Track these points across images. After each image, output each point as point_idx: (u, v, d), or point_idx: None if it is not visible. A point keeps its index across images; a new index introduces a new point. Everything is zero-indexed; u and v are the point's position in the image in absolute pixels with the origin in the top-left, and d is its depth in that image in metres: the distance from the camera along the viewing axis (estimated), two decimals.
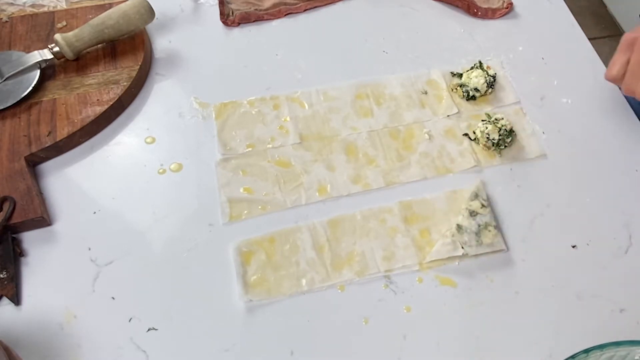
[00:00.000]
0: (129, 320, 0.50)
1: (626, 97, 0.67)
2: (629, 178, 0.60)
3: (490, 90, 0.65)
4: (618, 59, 0.53)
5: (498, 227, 0.56)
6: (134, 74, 0.64)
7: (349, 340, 0.50)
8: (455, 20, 0.74)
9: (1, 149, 0.57)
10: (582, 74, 0.69)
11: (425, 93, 0.66)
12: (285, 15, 0.74)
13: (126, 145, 0.61)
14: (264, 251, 0.54)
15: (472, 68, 0.68)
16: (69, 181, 0.58)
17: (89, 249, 0.54)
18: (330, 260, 0.54)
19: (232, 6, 0.73)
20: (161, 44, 0.70)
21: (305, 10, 0.74)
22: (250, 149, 0.61)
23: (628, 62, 0.52)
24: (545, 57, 0.70)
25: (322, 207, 0.57)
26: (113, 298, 0.51)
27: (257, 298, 0.51)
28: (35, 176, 0.58)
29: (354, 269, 0.53)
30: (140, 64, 0.65)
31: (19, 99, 0.60)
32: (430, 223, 0.56)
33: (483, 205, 0.56)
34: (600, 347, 0.44)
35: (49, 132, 0.59)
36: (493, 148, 0.61)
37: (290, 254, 0.54)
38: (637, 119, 0.65)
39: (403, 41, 0.72)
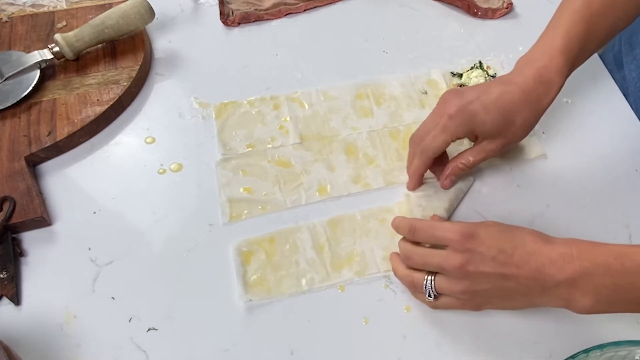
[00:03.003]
0: (129, 320, 0.50)
1: (626, 97, 0.67)
2: (629, 178, 0.60)
3: None
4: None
5: None
6: (134, 74, 0.64)
7: (349, 340, 0.50)
8: (455, 20, 0.74)
9: (1, 149, 0.57)
10: (582, 74, 0.68)
11: (425, 93, 0.66)
12: (285, 15, 0.74)
13: (126, 145, 0.61)
14: (264, 251, 0.54)
15: (472, 68, 0.68)
16: (69, 181, 0.58)
17: (89, 249, 0.54)
18: (330, 260, 0.54)
19: (232, 6, 0.73)
20: (161, 44, 0.70)
21: (305, 10, 0.74)
22: (250, 149, 0.61)
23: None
24: None
25: (322, 207, 0.57)
26: (113, 298, 0.51)
27: (257, 298, 0.51)
28: (35, 176, 0.58)
29: (353, 269, 0.53)
30: (140, 64, 0.65)
31: (19, 99, 0.60)
32: None
33: None
34: (600, 347, 0.44)
35: (49, 132, 0.59)
36: None
37: (290, 253, 0.54)
38: (637, 119, 0.65)
39: (403, 41, 0.72)
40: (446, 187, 0.56)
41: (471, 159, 0.55)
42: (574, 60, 0.54)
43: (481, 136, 0.54)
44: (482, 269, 0.45)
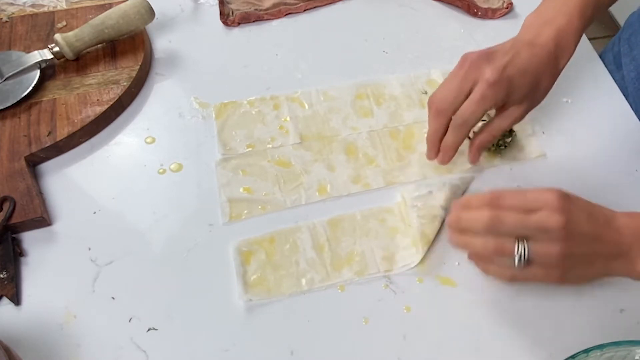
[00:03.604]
0: (129, 320, 0.50)
1: (626, 97, 0.67)
2: (629, 178, 0.60)
3: None
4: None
5: None
6: (134, 74, 0.64)
7: (349, 340, 0.50)
8: (455, 20, 0.74)
9: (1, 149, 0.57)
10: (582, 74, 0.69)
11: (425, 93, 0.66)
12: (285, 15, 0.74)
13: (126, 145, 0.61)
14: (264, 251, 0.54)
15: None
16: (69, 181, 0.58)
17: (89, 249, 0.54)
18: (330, 260, 0.54)
19: (232, 6, 0.73)
20: (161, 44, 0.70)
21: (305, 10, 0.74)
22: (250, 149, 0.61)
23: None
24: None
25: (322, 206, 0.57)
26: (113, 298, 0.51)
27: (256, 297, 0.51)
28: (35, 176, 0.58)
29: (353, 268, 0.53)
30: (140, 64, 0.65)
31: (19, 99, 0.60)
32: None
33: None
34: (600, 347, 0.43)
35: (49, 132, 0.59)
36: (493, 148, 0.61)
37: (290, 253, 0.54)
38: (637, 119, 0.65)
39: (403, 41, 0.72)
40: (474, 162, 0.56)
41: (499, 128, 0.54)
42: (588, 22, 0.54)
43: (510, 102, 0.53)
44: (582, 229, 0.44)
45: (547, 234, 0.44)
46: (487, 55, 0.51)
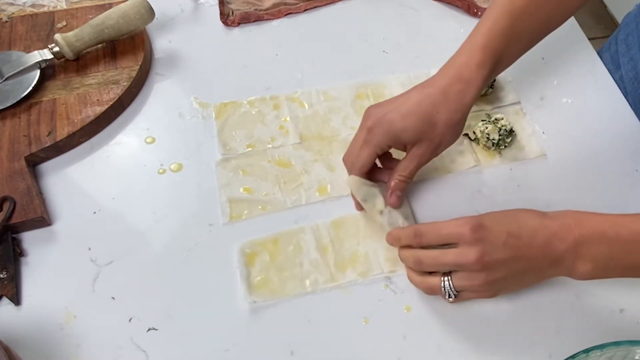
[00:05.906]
0: (129, 320, 0.50)
1: (625, 96, 0.67)
2: (629, 178, 0.60)
3: (490, 90, 0.65)
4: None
5: None
6: (134, 74, 0.64)
7: (349, 340, 0.50)
8: (455, 20, 0.74)
9: (1, 149, 0.57)
10: (582, 74, 0.69)
11: None
12: (285, 15, 0.74)
13: (126, 145, 0.61)
14: (268, 252, 0.54)
15: None
16: (69, 181, 0.58)
17: (89, 249, 0.54)
18: (334, 261, 0.54)
19: (232, 6, 0.73)
20: (161, 44, 0.70)
21: (305, 10, 0.74)
22: (250, 149, 0.61)
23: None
24: (545, 57, 0.70)
25: (322, 207, 0.57)
26: (113, 298, 0.51)
27: (261, 299, 0.51)
28: (35, 176, 0.58)
29: (357, 269, 0.53)
30: (140, 64, 0.65)
31: (19, 99, 0.60)
32: None
33: None
34: (600, 347, 0.43)
35: (49, 132, 0.59)
36: (493, 148, 0.61)
37: (294, 255, 0.54)
38: (637, 119, 0.65)
39: (403, 41, 0.72)
40: (395, 205, 0.54)
41: (405, 169, 0.53)
42: (499, 54, 0.53)
43: (408, 143, 0.53)
44: (497, 257, 0.45)
45: (466, 268, 0.46)
46: (379, 104, 0.54)
